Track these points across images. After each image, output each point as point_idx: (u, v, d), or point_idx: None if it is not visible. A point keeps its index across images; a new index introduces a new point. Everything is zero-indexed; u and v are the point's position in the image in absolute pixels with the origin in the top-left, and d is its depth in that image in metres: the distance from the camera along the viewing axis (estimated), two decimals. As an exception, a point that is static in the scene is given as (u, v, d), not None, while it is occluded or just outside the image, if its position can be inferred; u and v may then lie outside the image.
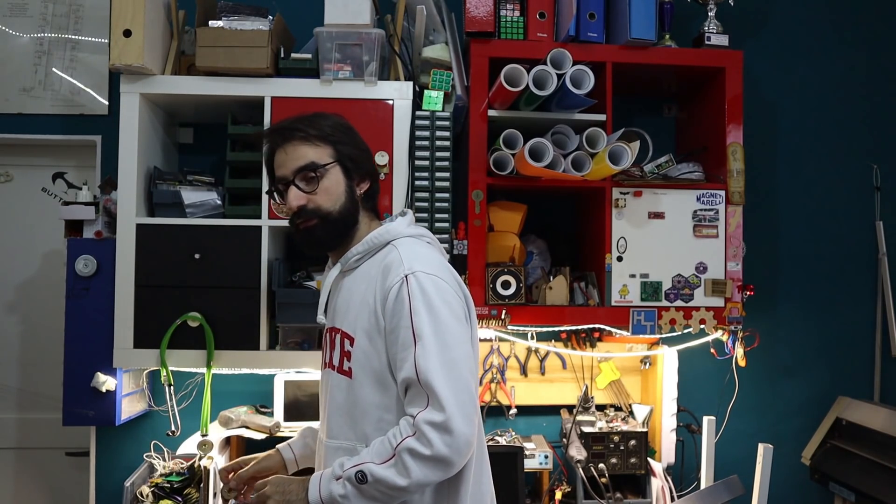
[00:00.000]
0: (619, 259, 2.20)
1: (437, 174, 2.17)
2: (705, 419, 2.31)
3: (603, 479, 2.21)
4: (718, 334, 2.34)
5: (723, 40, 2.29)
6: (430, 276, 1.41)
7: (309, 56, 2.17)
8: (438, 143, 2.17)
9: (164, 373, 2.10)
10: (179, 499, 2.09)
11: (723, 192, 2.25)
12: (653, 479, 2.28)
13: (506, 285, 2.15)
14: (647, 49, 2.22)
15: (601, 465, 2.24)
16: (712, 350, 2.45)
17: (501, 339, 2.45)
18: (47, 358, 2.50)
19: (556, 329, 2.32)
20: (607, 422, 2.34)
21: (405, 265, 1.41)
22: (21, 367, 2.55)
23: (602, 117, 2.19)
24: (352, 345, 1.46)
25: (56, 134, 2.49)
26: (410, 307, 1.38)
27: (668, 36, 2.30)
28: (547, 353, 2.47)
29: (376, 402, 1.44)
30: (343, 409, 1.48)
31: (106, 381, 2.13)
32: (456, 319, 1.41)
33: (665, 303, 2.21)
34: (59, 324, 2.21)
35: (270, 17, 2.16)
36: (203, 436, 2.13)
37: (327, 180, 1.51)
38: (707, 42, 2.29)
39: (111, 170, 2.28)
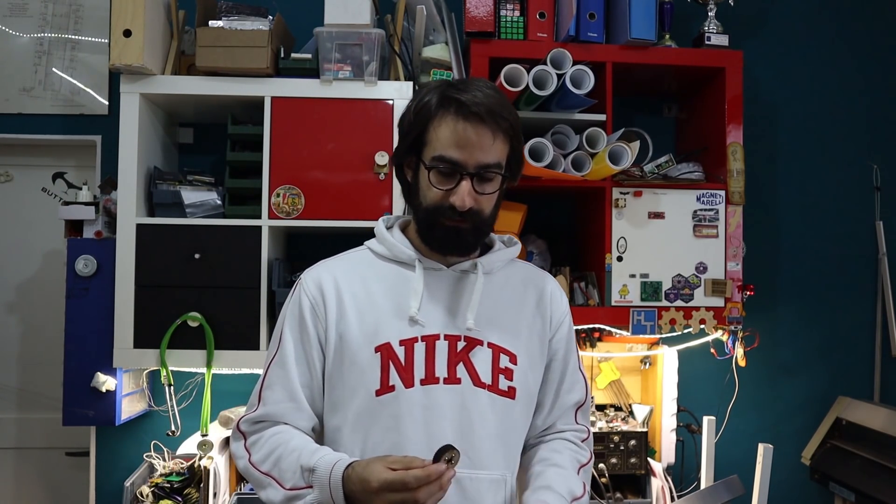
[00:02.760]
0: (619, 259, 2.20)
1: (437, 174, 2.17)
2: (705, 419, 2.31)
3: (603, 479, 2.21)
4: (718, 334, 2.34)
5: (723, 40, 2.29)
6: None
7: (309, 56, 2.17)
8: (438, 143, 2.16)
9: (164, 373, 2.10)
10: (179, 499, 2.09)
11: (723, 192, 2.25)
12: (653, 479, 2.28)
13: (506, 285, 2.15)
14: (647, 49, 2.22)
15: (601, 465, 2.24)
16: (712, 350, 2.45)
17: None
18: (47, 358, 2.50)
19: (556, 329, 2.32)
20: (607, 422, 2.34)
21: (565, 295, 1.47)
22: (21, 367, 2.55)
23: (602, 117, 2.19)
24: (515, 363, 1.33)
25: (56, 134, 2.49)
26: (575, 335, 1.50)
27: (668, 36, 2.30)
28: (547, 353, 2.46)
29: (523, 428, 1.38)
30: (497, 434, 1.30)
31: (106, 381, 2.13)
32: None
33: (665, 303, 2.21)
34: (59, 324, 2.21)
35: (270, 17, 2.16)
36: (203, 436, 2.13)
37: (496, 184, 1.28)
38: (707, 42, 2.29)
39: (111, 170, 2.27)
